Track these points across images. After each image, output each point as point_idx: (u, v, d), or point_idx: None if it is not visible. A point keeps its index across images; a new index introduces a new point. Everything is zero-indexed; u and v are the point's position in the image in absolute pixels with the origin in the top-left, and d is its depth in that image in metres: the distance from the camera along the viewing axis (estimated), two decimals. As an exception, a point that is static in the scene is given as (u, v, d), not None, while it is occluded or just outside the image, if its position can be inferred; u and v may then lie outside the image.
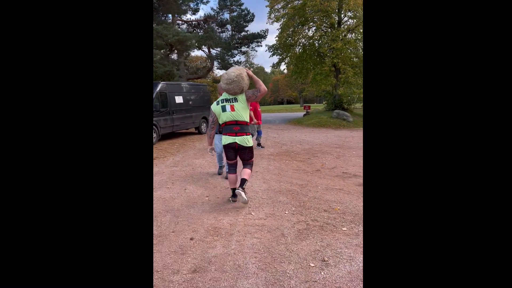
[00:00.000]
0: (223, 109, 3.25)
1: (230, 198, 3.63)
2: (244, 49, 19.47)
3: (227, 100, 3.25)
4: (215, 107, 3.33)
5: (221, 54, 17.20)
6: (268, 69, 71.21)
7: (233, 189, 3.54)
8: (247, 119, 3.29)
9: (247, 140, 3.28)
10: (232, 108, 3.21)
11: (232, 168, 3.51)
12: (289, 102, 78.23)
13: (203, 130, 11.34)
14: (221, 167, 5.13)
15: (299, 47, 19.39)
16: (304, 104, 24.13)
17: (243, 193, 3.22)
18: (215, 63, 18.34)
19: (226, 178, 4.44)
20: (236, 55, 19.45)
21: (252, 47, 19.25)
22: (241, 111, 3.23)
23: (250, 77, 3.26)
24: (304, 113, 21.90)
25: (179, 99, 9.83)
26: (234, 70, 3.18)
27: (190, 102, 10.50)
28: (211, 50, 17.36)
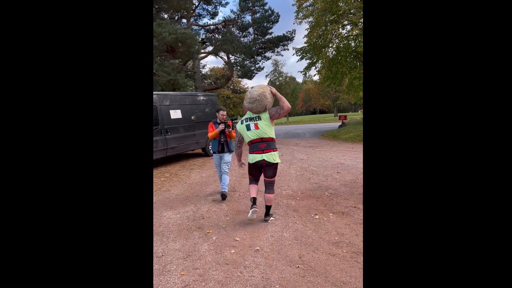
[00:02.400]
0: (248, 128, 3.27)
1: (251, 209, 3.41)
2: (268, 54, 17.22)
3: (251, 119, 3.28)
4: (239, 126, 3.37)
5: (242, 60, 15.02)
6: (299, 79, 68.96)
7: (253, 198, 3.44)
8: (273, 135, 3.26)
9: (274, 157, 3.24)
10: (256, 127, 3.22)
11: (254, 180, 3.47)
12: (321, 112, 74.72)
13: (211, 151, 9.06)
14: (224, 190, 4.50)
15: (332, 49, 16.80)
16: (340, 114, 21.24)
17: (270, 219, 3.45)
18: (236, 71, 16.20)
19: (223, 199, 4.45)
20: (260, 61, 17.22)
21: (278, 52, 16.92)
22: (266, 129, 3.22)
23: (273, 94, 3.26)
24: (340, 124, 19.08)
25: (175, 114, 7.65)
26: (257, 89, 3.19)
27: (193, 117, 8.27)
28: (230, 56, 15.29)
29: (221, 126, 4.34)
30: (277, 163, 3.28)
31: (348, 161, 7.22)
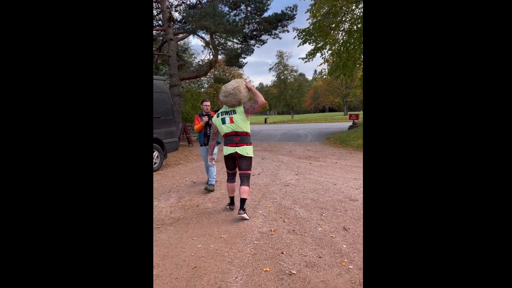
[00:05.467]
0: (223, 121, 3.32)
1: (227, 206, 3.70)
2: (264, 37, 14.05)
3: (226, 113, 3.33)
4: (215, 119, 3.42)
5: (225, 42, 11.91)
6: (309, 76, 65.71)
7: (231, 197, 3.65)
8: (247, 130, 3.33)
9: (247, 150, 3.32)
10: (231, 120, 3.29)
11: (232, 177, 3.55)
12: (331, 110, 71.02)
13: (156, 166, 6.09)
14: (210, 184, 4.61)
15: (343, 32, 13.59)
16: (350, 113, 18.03)
17: (244, 215, 3.33)
18: (221, 56, 13.05)
19: (208, 190, 4.56)
20: (254, 45, 14.09)
21: (275, 34, 13.73)
22: (240, 123, 3.28)
23: (249, 89, 3.33)
24: (350, 124, 15.87)
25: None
26: (232, 83, 3.25)
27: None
28: (214, 37, 12.17)
29: (205, 118, 4.42)
30: (250, 157, 3.36)
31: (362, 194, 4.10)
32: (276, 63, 40.32)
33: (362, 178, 4.84)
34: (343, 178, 5.12)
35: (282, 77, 40.60)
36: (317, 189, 4.47)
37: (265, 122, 34.75)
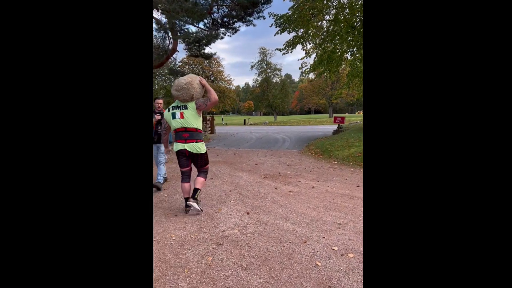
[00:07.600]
0: (173, 116, 3.25)
1: (185, 209, 3.45)
2: (238, 24, 11.89)
3: (177, 107, 3.25)
4: (166, 114, 3.35)
5: (183, 24, 9.68)
6: (296, 77, 64.22)
7: (187, 198, 3.41)
8: (198, 126, 3.26)
9: (198, 147, 3.26)
10: (181, 116, 3.21)
11: (186, 177, 3.42)
12: (316, 112, 69.59)
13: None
14: (158, 182, 4.47)
15: (327, 22, 11.68)
16: (335, 115, 16.22)
17: (195, 204, 3.30)
18: (183, 44, 10.80)
19: (157, 189, 4.41)
20: (225, 34, 11.94)
21: (249, 20, 11.63)
22: (191, 118, 3.21)
23: (203, 86, 3.27)
24: (335, 129, 13.99)
25: None
26: (185, 78, 3.19)
27: None
28: (172, 18, 9.93)
29: (157, 116, 4.38)
30: (202, 153, 3.31)
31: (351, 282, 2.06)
32: (258, 61, 38.16)
33: (359, 217, 2.84)
34: (320, 224, 3.07)
35: (265, 75, 38.48)
36: (270, 255, 2.40)
37: (244, 123, 32.54)
